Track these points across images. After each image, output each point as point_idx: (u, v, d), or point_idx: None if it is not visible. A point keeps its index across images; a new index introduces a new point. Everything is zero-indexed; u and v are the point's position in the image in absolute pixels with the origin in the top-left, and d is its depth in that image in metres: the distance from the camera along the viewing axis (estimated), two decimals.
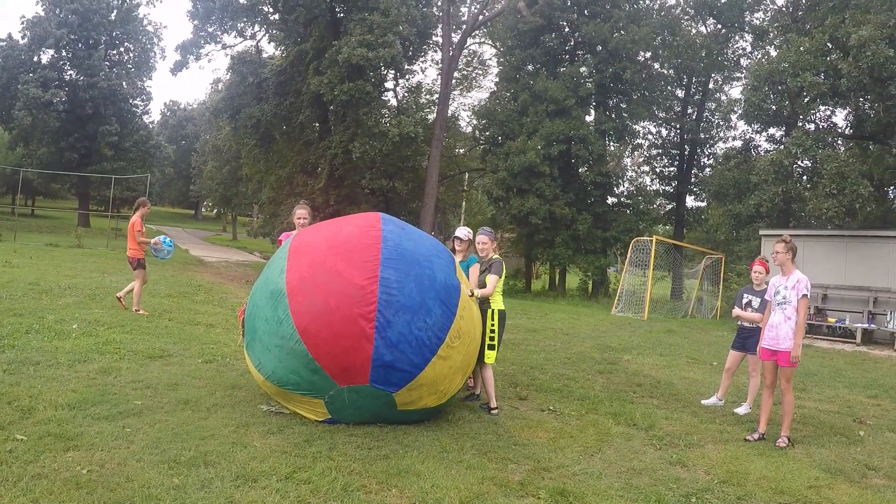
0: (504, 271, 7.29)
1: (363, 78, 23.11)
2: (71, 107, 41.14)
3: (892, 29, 16.92)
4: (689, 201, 33.13)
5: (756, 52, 28.26)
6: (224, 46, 28.38)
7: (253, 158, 30.68)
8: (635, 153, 35.40)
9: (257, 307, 6.07)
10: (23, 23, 41.50)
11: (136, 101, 46.70)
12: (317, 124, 28.54)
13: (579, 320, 17.38)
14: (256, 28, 28.72)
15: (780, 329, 6.52)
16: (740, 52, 30.83)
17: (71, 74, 42.78)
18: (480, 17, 30.92)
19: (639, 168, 35.49)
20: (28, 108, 38.34)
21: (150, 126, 52.88)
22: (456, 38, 29.93)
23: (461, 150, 36.88)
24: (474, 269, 7.10)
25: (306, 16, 24.81)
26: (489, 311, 6.95)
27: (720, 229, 26.55)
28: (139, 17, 45.70)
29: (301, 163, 27.80)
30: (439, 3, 28.58)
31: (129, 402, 5.95)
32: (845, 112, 22.97)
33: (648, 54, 30.37)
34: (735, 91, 45.43)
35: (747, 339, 7.74)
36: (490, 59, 39.10)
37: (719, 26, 30.20)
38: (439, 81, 30.62)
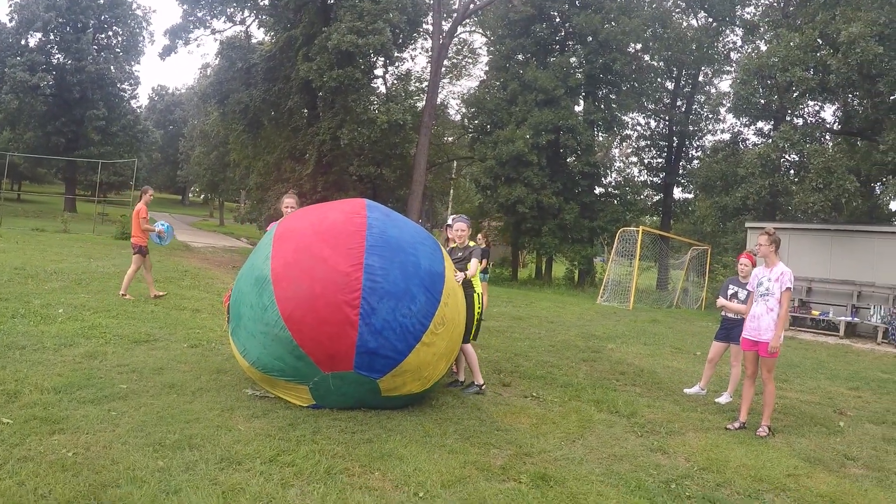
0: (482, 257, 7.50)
1: (352, 65, 23.01)
2: (58, 91, 40.75)
3: (881, 26, 17.03)
4: (677, 193, 33.39)
5: (746, 47, 28.28)
6: (213, 31, 28.20)
7: (241, 144, 30.55)
8: (623, 144, 35.54)
9: (242, 293, 6.08)
10: (10, 6, 41.00)
11: (123, 86, 46.28)
12: (305, 110, 28.38)
13: (565, 309, 17.46)
14: (246, 13, 28.54)
15: (762, 320, 6.58)
16: (730, 45, 30.95)
17: (58, 58, 42.29)
18: (471, 6, 30.81)
19: (627, 159, 35.67)
20: (15, 91, 37.94)
21: (138, 111, 52.40)
22: (446, 26, 29.83)
23: (450, 138, 36.85)
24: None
25: (296, 1, 24.66)
26: (475, 294, 7.14)
27: (707, 221, 26.69)
28: (128, 0, 45.23)
29: (289, 149, 27.68)
30: None
31: (115, 386, 5.97)
32: (834, 108, 23.14)
33: (639, 46, 30.39)
34: (724, 84, 45.59)
35: (731, 329, 7.81)
36: (480, 47, 39.18)
37: (710, 20, 30.27)
38: (429, 69, 30.51)
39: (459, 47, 36.89)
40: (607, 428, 6.25)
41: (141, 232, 11.45)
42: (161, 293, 11.56)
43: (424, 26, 29.22)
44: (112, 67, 43.70)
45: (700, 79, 32.58)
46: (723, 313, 8.03)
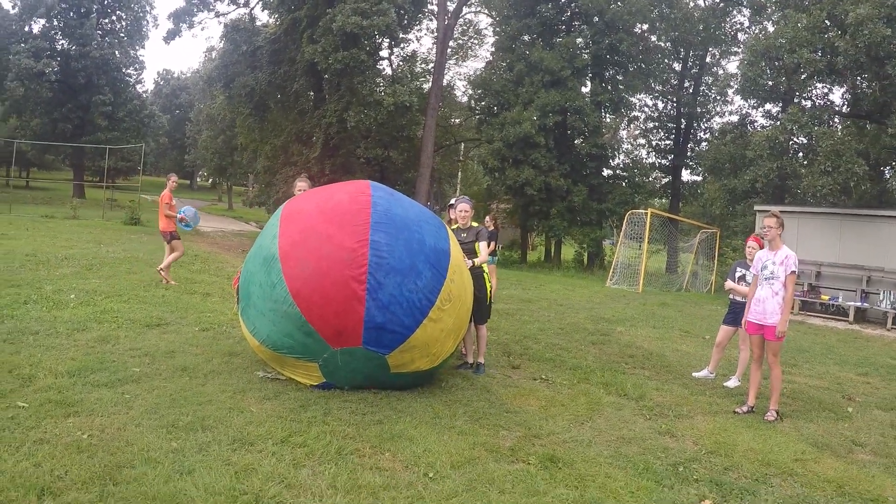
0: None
1: (357, 46, 22.91)
2: (63, 77, 40.63)
3: (890, 8, 16.83)
4: (685, 175, 33.18)
5: (753, 27, 28.05)
6: (217, 14, 28.16)
7: (247, 128, 30.54)
8: (631, 125, 35.33)
9: (251, 273, 6.16)
10: None
11: (128, 71, 46.16)
12: (311, 93, 28.34)
13: (574, 292, 17.47)
14: None
15: (767, 304, 6.58)
16: (738, 26, 30.59)
17: (63, 44, 42.11)
18: None
19: (634, 140, 35.45)
20: (20, 78, 37.83)
21: (144, 95, 52.37)
22: (452, 6, 29.66)
23: (456, 120, 36.73)
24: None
25: None
26: (484, 274, 7.21)
27: (715, 204, 26.55)
28: None
29: (296, 132, 27.66)
30: None
31: (128, 370, 6.04)
32: (842, 90, 22.84)
33: (645, 26, 30.12)
34: (732, 66, 45.28)
35: (739, 313, 7.73)
36: (486, 28, 38.79)
37: (717, 0, 29.96)
38: (434, 50, 30.39)
39: (465, 28, 36.68)
40: (616, 411, 6.28)
41: (167, 218, 11.57)
42: (172, 282, 11.49)
43: (430, 7, 29.12)
44: (117, 52, 43.58)
45: (707, 60, 32.24)
46: (731, 297, 8.02)
